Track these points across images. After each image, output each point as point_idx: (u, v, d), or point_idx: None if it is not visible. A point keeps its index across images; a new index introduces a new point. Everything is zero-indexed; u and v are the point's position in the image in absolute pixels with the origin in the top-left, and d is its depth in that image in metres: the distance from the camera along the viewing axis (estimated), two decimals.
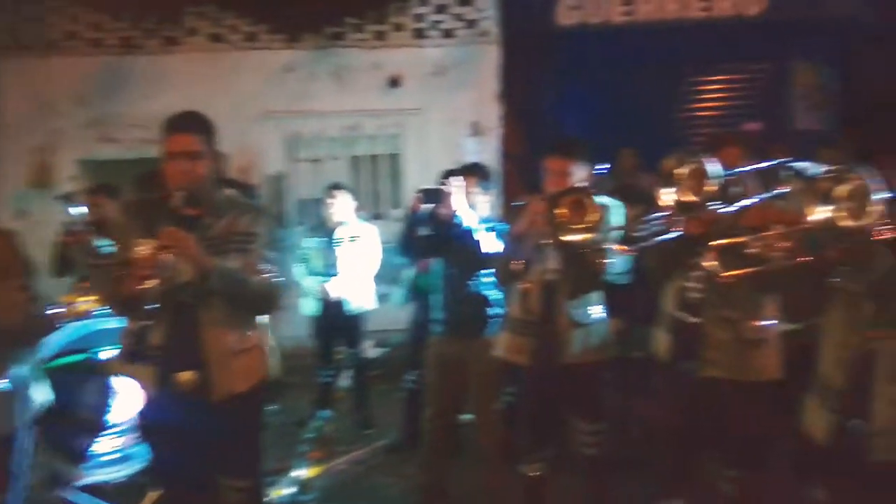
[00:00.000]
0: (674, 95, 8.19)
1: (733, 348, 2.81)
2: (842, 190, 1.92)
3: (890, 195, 1.90)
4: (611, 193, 4.13)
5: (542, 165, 3.21)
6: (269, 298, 2.75)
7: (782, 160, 2.95)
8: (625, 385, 3.67)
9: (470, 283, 3.69)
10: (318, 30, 7.05)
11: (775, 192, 2.85)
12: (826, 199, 1.95)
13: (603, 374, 3.32)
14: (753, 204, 2.73)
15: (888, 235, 1.99)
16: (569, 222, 2.85)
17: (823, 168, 3.73)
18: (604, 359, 3.28)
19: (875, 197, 1.86)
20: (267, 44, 7.05)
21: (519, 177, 7.09)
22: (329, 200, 5.17)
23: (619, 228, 3.20)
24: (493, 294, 3.68)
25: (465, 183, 3.63)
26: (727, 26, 7.69)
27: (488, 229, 3.59)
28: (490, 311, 3.69)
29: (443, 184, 3.61)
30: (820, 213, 1.96)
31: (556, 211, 2.85)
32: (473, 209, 3.66)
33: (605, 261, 3.00)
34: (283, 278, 2.88)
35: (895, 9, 8.25)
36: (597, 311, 3.26)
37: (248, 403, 2.73)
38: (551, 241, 3.03)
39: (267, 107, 7.02)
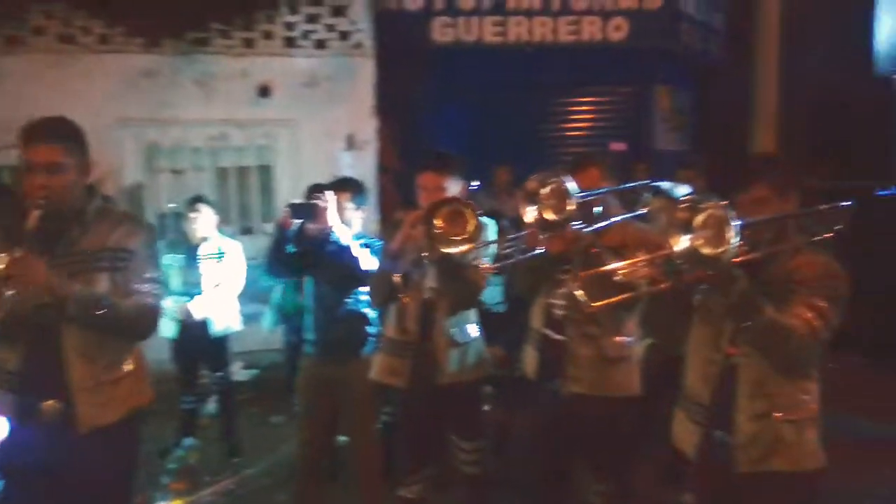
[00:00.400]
0: (544, 115, 8.40)
1: (596, 365, 2.85)
2: (699, 219, 2.00)
3: (741, 222, 1.97)
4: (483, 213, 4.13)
5: (416, 181, 3.13)
6: (143, 323, 2.50)
7: (643, 181, 3.14)
8: (506, 402, 3.64)
9: (344, 302, 3.54)
10: (179, 34, 6.64)
11: (637, 212, 2.94)
12: (686, 228, 2.01)
13: (480, 391, 3.27)
14: (614, 223, 2.82)
15: (742, 258, 2.08)
16: (446, 234, 2.76)
17: (682, 188, 3.95)
18: (481, 377, 3.24)
19: (730, 224, 1.94)
20: (122, 47, 6.55)
21: (395, 192, 7.02)
22: (191, 214, 4.84)
23: (493, 242, 3.16)
24: (370, 313, 3.56)
25: (337, 197, 3.50)
26: (594, 51, 8.04)
27: (363, 245, 3.47)
28: (366, 330, 3.56)
29: (314, 198, 3.45)
30: (682, 242, 2.02)
31: (434, 222, 2.76)
32: (347, 224, 3.53)
33: (483, 275, 2.95)
34: (161, 299, 2.61)
35: (737, 42, 8.99)
36: (473, 330, 3.22)
37: (118, 436, 2.47)
38: (429, 255, 2.94)
39: (123, 114, 6.51)
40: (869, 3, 7.70)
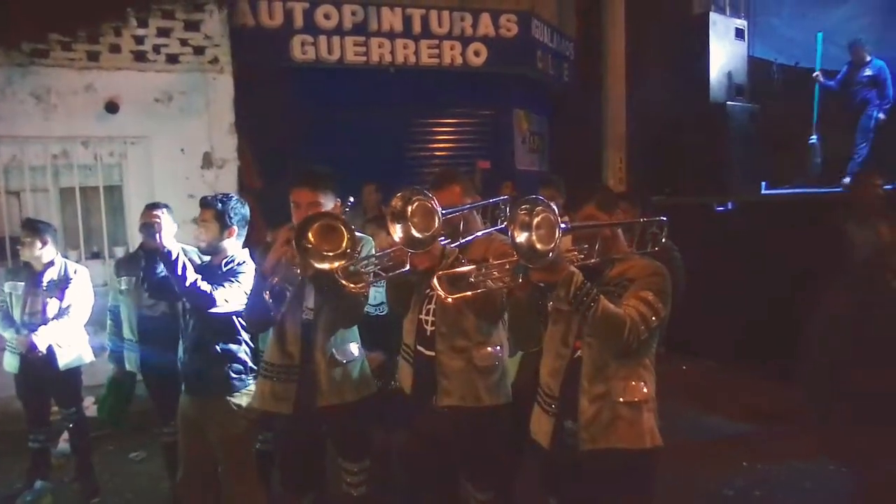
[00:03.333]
0: (408, 135, 8.47)
1: (466, 376, 2.88)
2: (535, 220, 2.25)
3: (566, 225, 2.27)
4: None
5: (289, 199, 3.03)
6: None
7: (503, 197, 3.18)
8: (384, 418, 3.57)
9: (202, 331, 3.32)
10: (14, 45, 6.11)
11: (498, 226, 3.02)
12: (526, 227, 2.25)
13: (365, 411, 3.20)
14: (478, 237, 2.90)
15: (580, 263, 2.42)
16: (319, 249, 2.68)
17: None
18: (364, 396, 3.17)
19: (558, 225, 2.21)
20: None
21: (258, 212, 6.77)
22: (27, 239, 4.42)
23: (367, 258, 3.11)
24: (236, 347, 3.35)
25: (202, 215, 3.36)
26: (455, 74, 8.23)
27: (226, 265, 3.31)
28: (231, 366, 3.33)
29: (149, 217, 3.43)
30: (521, 237, 2.26)
31: (306, 238, 2.67)
32: (213, 246, 3.36)
33: (360, 289, 2.89)
34: None
35: (585, 70, 9.55)
36: (355, 349, 3.16)
37: None
38: (302, 272, 2.86)
39: None
40: (704, 38, 8.39)
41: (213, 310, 3.20)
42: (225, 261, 3.36)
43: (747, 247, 6.83)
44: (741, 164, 8.32)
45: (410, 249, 2.60)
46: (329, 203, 3.00)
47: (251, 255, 3.43)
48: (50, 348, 4.33)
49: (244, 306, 3.14)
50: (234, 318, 3.30)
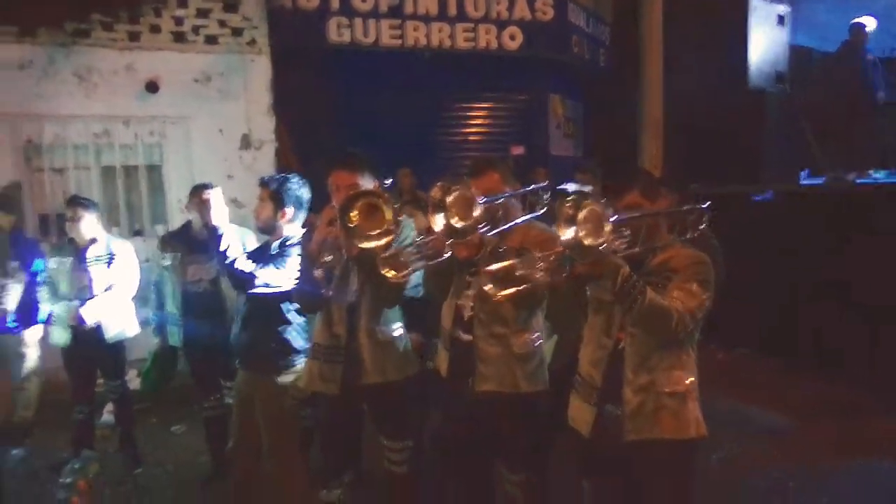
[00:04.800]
0: (442, 119, 8.47)
1: (504, 362, 2.88)
2: (581, 214, 2.20)
3: (615, 217, 2.24)
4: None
5: (327, 181, 3.05)
6: None
7: (541, 184, 3.14)
8: (423, 398, 3.61)
9: (255, 307, 3.38)
10: (57, 25, 6.21)
11: (536, 212, 3.01)
12: (571, 222, 2.22)
13: (407, 391, 3.22)
14: (516, 225, 2.88)
15: (624, 252, 2.38)
16: (363, 229, 2.70)
17: (585, 190, 4.07)
18: (407, 376, 3.19)
19: (606, 219, 2.18)
20: None
21: None
22: (72, 215, 4.52)
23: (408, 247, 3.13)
24: (283, 327, 3.38)
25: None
26: (490, 58, 8.19)
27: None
28: (283, 344, 3.37)
29: (197, 196, 3.44)
30: (567, 233, 2.23)
31: (350, 218, 2.69)
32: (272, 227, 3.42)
33: (401, 278, 2.87)
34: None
35: (622, 55, 9.43)
36: (397, 328, 3.19)
37: None
38: (347, 252, 2.88)
39: None
40: (742, 22, 8.22)
41: (254, 290, 3.25)
42: (278, 242, 3.40)
43: (785, 236, 6.74)
44: (780, 152, 8.17)
45: (451, 239, 2.61)
46: (368, 185, 3.01)
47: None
48: (98, 321, 4.42)
49: (293, 287, 3.17)
50: (281, 298, 3.32)
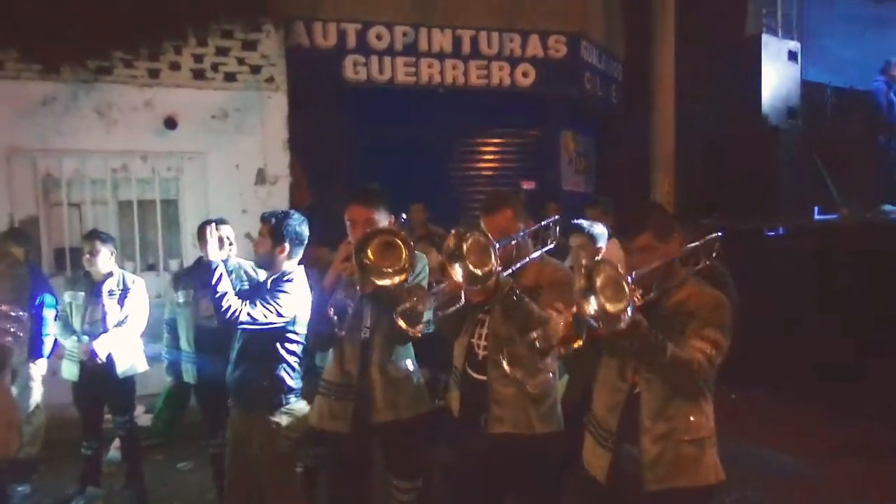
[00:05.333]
0: (454, 155, 8.55)
1: (519, 404, 2.85)
2: (599, 281, 2.11)
3: (632, 276, 2.13)
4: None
5: (343, 216, 3.08)
6: None
7: (553, 218, 3.14)
8: (433, 436, 3.58)
9: (245, 345, 3.36)
10: (80, 62, 6.36)
11: (547, 247, 3.02)
12: (591, 292, 2.12)
13: (418, 429, 3.21)
14: (530, 262, 2.87)
15: (640, 302, 2.22)
16: (379, 266, 2.71)
17: (597, 226, 4.07)
18: (420, 413, 3.19)
19: (625, 281, 2.08)
20: (16, 73, 6.21)
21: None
22: (89, 249, 4.58)
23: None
24: (276, 365, 3.32)
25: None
26: (503, 95, 8.28)
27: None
28: (269, 384, 3.31)
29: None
30: (592, 304, 2.13)
31: (366, 254, 2.71)
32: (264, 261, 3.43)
33: (417, 332, 2.87)
34: (20, 337, 2.38)
35: (633, 92, 9.50)
36: (409, 364, 3.18)
37: None
38: (362, 289, 2.89)
39: (15, 143, 6.16)
40: (755, 59, 8.29)
41: (243, 326, 3.23)
42: (274, 278, 3.38)
43: (798, 272, 6.70)
44: (793, 188, 8.18)
45: (470, 286, 2.61)
46: (383, 220, 3.05)
47: (306, 272, 3.48)
48: (109, 356, 4.44)
49: (310, 325, 3.16)
50: (274, 335, 3.29)
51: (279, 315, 3.21)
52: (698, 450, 2.41)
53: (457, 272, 2.56)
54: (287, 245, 3.34)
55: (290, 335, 3.32)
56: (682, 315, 2.41)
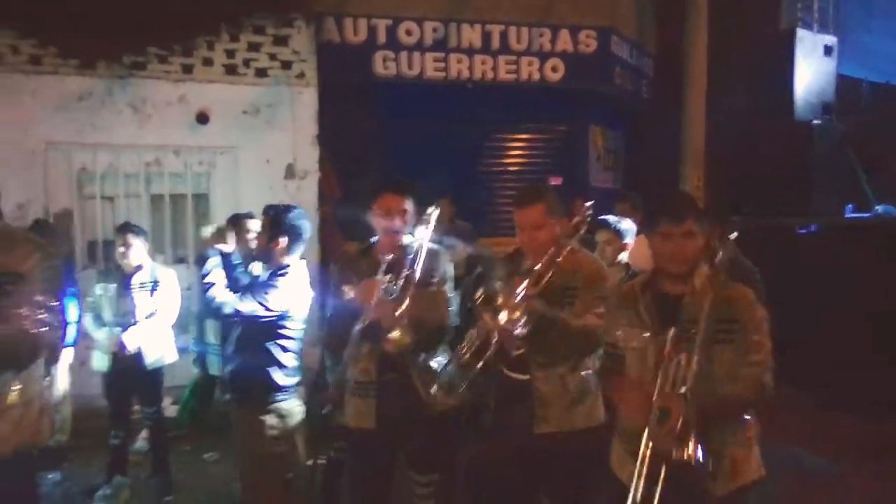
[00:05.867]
0: (482, 150, 8.54)
1: (562, 402, 2.87)
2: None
3: None
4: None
5: (373, 207, 3.11)
6: (17, 351, 2.31)
7: (586, 214, 3.10)
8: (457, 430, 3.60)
9: (238, 339, 3.39)
10: (115, 57, 6.48)
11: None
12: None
13: (439, 424, 3.20)
14: (564, 257, 2.88)
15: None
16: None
17: (625, 221, 4.06)
18: (443, 409, 3.17)
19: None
20: (54, 68, 6.34)
21: (336, 223, 6.96)
22: (121, 242, 4.67)
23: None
24: (277, 362, 3.34)
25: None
26: (532, 90, 8.25)
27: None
28: (268, 378, 3.32)
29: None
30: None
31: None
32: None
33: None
34: (55, 327, 2.45)
35: (664, 86, 9.39)
36: (436, 363, 3.18)
37: (11, 470, 2.32)
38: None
39: (51, 137, 6.30)
40: (789, 54, 8.17)
41: (229, 318, 3.30)
42: (270, 271, 3.38)
43: (829, 271, 6.61)
44: (826, 185, 8.06)
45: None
46: (412, 208, 3.10)
47: (330, 265, 3.51)
48: (139, 348, 4.54)
49: (287, 318, 3.26)
50: (265, 330, 3.30)
51: (267, 309, 3.22)
52: (748, 450, 2.46)
53: (498, 321, 2.65)
54: (284, 239, 3.35)
55: (281, 331, 3.32)
56: (732, 324, 2.39)
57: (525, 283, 2.73)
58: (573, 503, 2.98)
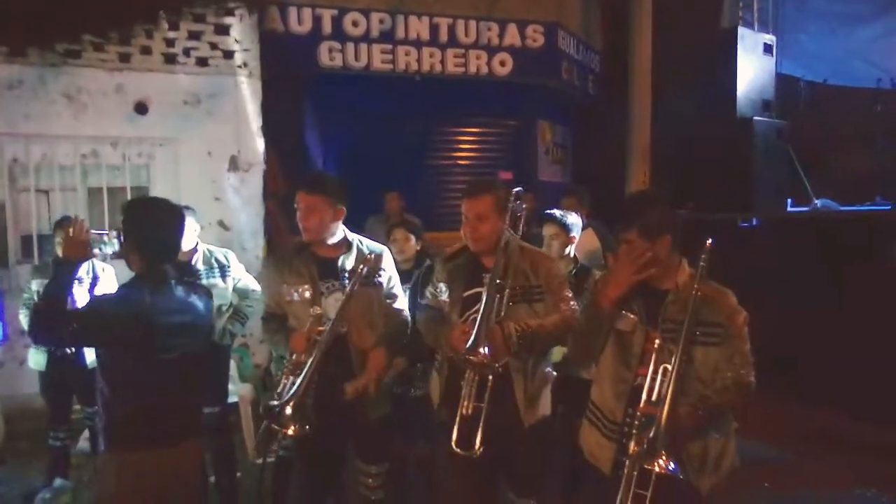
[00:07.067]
0: (431, 144, 8.49)
1: (533, 393, 2.87)
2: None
3: None
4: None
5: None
6: None
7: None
8: (405, 424, 3.56)
9: None
10: (48, 45, 6.20)
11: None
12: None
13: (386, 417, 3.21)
14: (518, 257, 2.91)
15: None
16: None
17: (571, 215, 4.07)
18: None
19: None
20: None
21: (282, 216, 6.83)
22: (60, 237, 4.48)
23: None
24: None
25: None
26: (480, 84, 8.24)
27: None
28: None
29: None
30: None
31: None
32: None
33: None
34: None
35: (611, 82, 9.52)
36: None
37: None
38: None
39: None
40: (732, 53, 8.34)
41: None
42: None
43: (771, 263, 6.77)
44: (767, 180, 8.25)
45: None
46: (327, 208, 3.04)
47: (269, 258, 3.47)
48: (78, 346, 4.36)
49: None
50: None
51: None
52: (727, 441, 2.47)
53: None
54: None
55: None
56: (715, 328, 2.40)
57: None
58: (534, 488, 2.98)
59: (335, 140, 7.52)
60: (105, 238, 2.66)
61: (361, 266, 2.96)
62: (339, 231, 3.14)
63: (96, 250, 2.83)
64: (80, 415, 4.72)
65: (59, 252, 4.47)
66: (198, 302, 2.74)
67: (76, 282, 4.40)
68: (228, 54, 6.70)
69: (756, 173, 8.17)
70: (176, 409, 2.61)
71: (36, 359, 4.47)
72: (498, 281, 2.76)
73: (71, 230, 2.67)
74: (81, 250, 2.66)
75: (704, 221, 7.18)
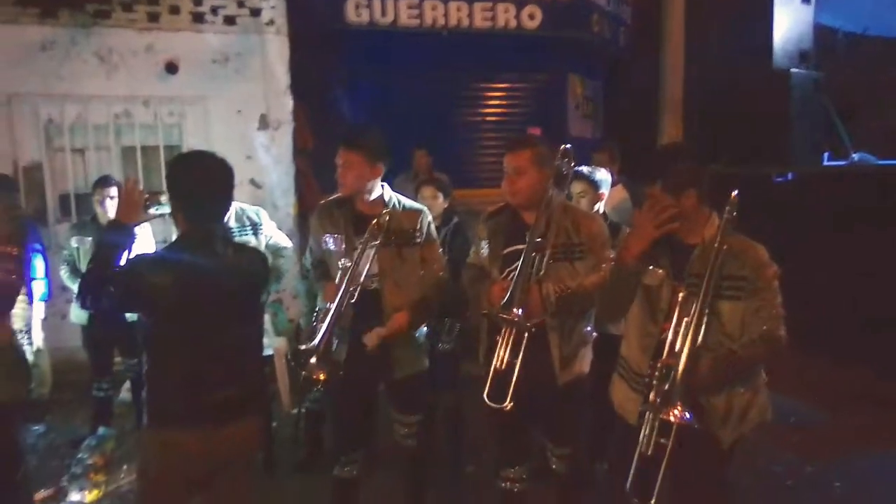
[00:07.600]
0: (459, 99, 8.42)
1: (574, 352, 2.90)
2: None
3: None
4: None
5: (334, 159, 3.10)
6: None
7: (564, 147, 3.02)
8: (432, 376, 3.62)
9: None
10: (78, 6, 6.25)
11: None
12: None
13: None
14: (560, 214, 2.88)
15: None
16: None
17: (600, 171, 4.04)
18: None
19: None
20: (14, 18, 6.10)
21: (312, 174, 6.88)
22: (100, 195, 4.58)
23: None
24: None
25: None
26: (508, 38, 8.11)
27: None
28: None
29: None
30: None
31: None
32: None
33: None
34: (15, 280, 2.40)
35: (642, 35, 9.30)
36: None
37: None
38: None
39: (15, 88, 6.10)
40: (768, 2, 8.09)
41: None
42: None
43: (806, 219, 6.66)
44: (803, 133, 8.06)
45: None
46: (366, 166, 3.04)
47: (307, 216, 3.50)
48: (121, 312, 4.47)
49: None
50: None
51: None
52: (760, 395, 2.50)
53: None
54: None
55: None
56: (741, 280, 2.39)
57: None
58: (571, 440, 3.02)
59: (362, 97, 7.48)
60: (161, 199, 2.50)
61: (374, 223, 2.99)
62: (378, 188, 3.15)
63: (152, 211, 2.52)
64: (121, 366, 4.85)
65: (98, 211, 4.58)
66: (249, 266, 2.52)
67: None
68: (256, 12, 6.69)
69: (792, 127, 7.99)
70: (226, 384, 2.32)
71: (77, 314, 4.60)
72: (538, 239, 2.76)
73: (123, 191, 2.49)
74: (136, 213, 2.42)
75: (737, 176, 7.07)
